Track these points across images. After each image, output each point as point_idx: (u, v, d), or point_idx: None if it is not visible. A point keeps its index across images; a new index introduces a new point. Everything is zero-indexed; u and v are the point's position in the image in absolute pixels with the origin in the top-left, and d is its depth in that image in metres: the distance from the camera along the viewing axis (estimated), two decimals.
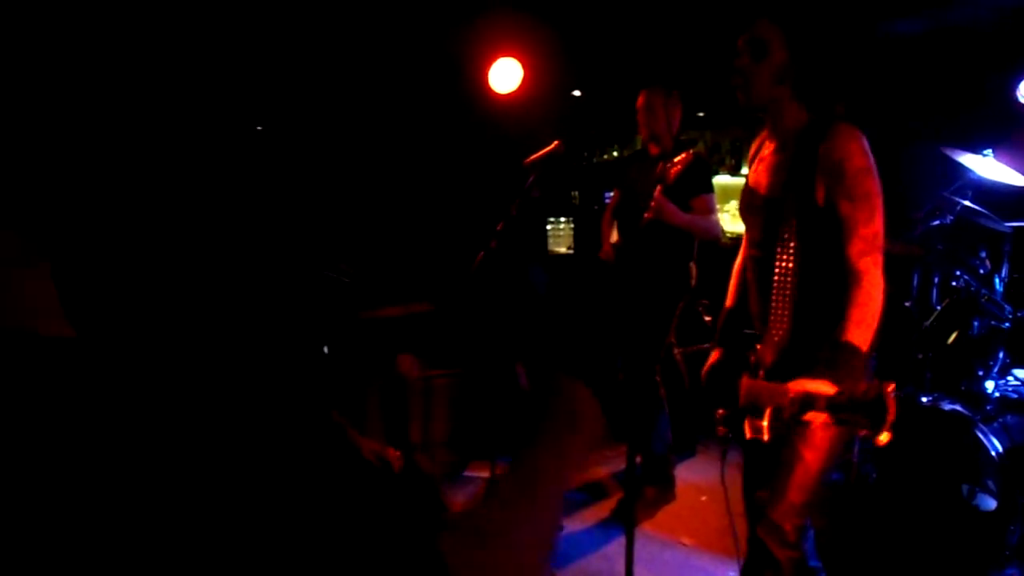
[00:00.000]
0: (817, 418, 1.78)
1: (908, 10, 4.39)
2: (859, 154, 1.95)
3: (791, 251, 2.00)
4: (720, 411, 2.19)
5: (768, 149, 2.19)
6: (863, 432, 1.66)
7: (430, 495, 3.50)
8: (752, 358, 2.11)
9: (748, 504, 2.30)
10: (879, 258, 1.94)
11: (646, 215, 3.32)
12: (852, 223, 1.94)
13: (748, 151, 2.35)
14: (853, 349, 1.88)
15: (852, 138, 1.96)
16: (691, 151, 3.18)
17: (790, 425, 1.90)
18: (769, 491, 2.14)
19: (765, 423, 1.94)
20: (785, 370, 1.93)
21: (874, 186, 1.95)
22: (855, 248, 1.94)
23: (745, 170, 2.38)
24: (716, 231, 3.49)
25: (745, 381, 2.08)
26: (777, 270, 2.02)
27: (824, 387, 1.75)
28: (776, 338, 2.02)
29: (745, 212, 2.25)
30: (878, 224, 1.95)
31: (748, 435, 2.01)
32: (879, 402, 1.61)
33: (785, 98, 2.05)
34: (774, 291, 2.03)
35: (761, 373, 2.03)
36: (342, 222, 5.06)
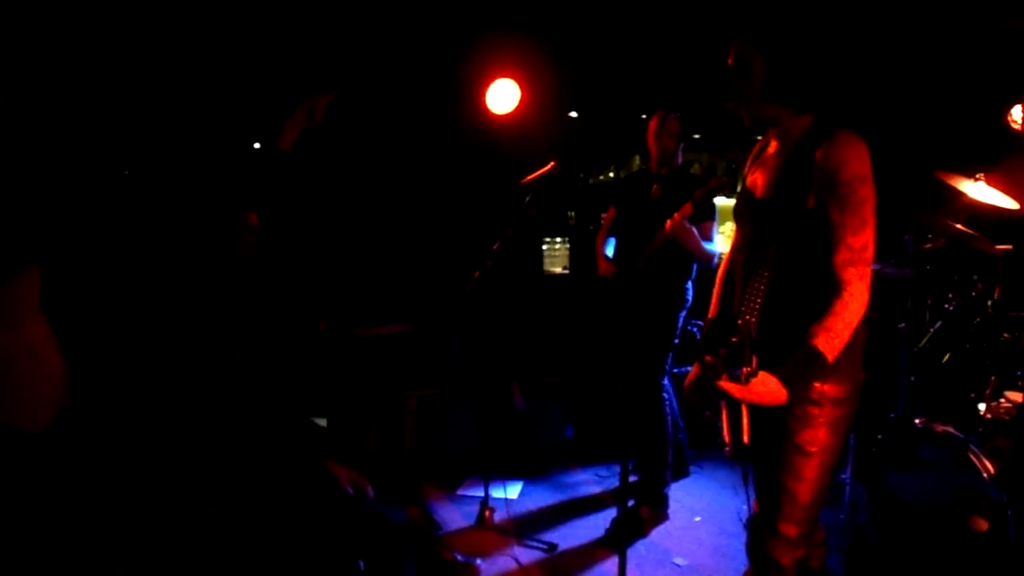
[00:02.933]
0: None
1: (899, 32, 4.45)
2: (856, 162, 1.91)
3: (772, 252, 1.97)
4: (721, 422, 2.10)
5: (771, 150, 2.16)
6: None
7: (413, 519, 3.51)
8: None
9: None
10: (865, 271, 1.89)
11: (664, 230, 3.38)
12: (841, 231, 1.90)
13: (744, 169, 2.33)
14: (817, 354, 1.85)
15: (851, 145, 1.92)
16: (723, 177, 3.27)
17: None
18: (761, 523, 2.13)
19: (745, 422, 1.92)
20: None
21: (868, 195, 1.90)
22: (841, 257, 1.90)
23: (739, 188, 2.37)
24: (711, 257, 3.51)
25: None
26: (759, 267, 2.00)
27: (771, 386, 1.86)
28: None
29: (740, 212, 2.22)
30: (868, 235, 1.90)
31: (726, 438, 2.00)
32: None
33: (779, 109, 2.04)
34: (749, 285, 2.01)
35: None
36: (339, 241, 5.08)
